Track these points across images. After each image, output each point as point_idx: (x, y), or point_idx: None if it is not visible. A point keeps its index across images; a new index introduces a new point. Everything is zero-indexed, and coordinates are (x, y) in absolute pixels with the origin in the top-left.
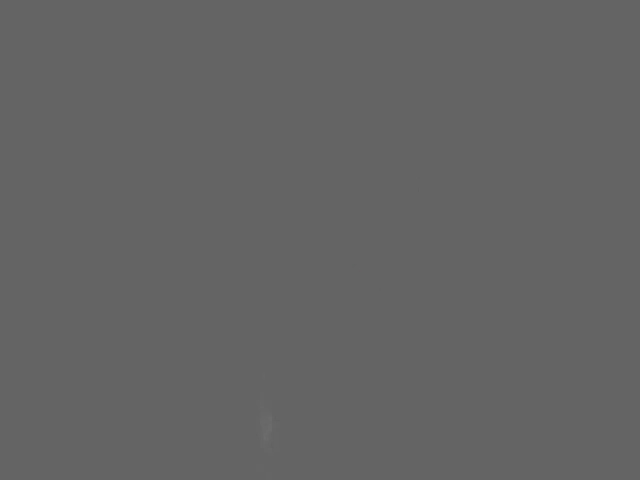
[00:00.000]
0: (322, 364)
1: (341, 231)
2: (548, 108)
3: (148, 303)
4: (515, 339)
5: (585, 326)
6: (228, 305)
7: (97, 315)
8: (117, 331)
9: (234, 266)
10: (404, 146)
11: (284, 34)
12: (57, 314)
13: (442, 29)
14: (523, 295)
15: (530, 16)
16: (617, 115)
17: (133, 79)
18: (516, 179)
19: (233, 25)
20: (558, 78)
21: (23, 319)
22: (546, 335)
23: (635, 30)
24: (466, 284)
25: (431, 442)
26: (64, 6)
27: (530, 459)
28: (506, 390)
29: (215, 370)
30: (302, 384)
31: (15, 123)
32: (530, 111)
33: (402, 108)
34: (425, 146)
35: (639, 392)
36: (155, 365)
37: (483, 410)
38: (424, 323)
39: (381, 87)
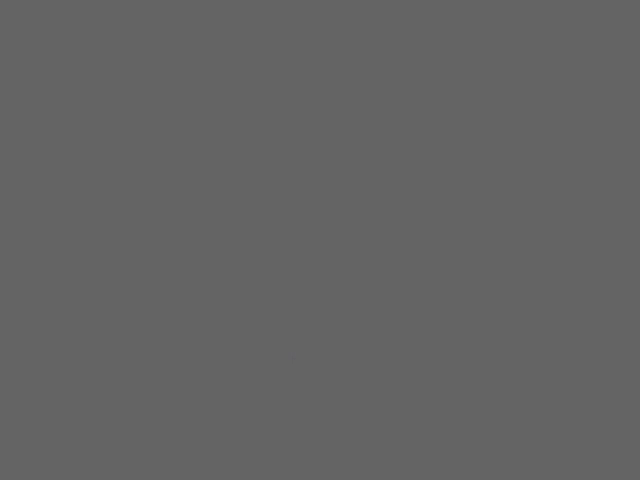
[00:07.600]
0: (321, 363)
1: (340, 230)
2: (548, 108)
3: (148, 302)
4: (515, 339)
5: (585, 326)
6: (228, 304)
7: (97, 315)
8: (117, 331)
9: (234, 266)
10: (403, 146)
11: (284, 34)
12: (57, 314)
13: (442, 29)
14: (523, 295)
15: (530, 16)
16: (617, 115)
17: (133, 79)
18: (516, 179)
19: (233, 25)
20: (558, 78)
21: (23, 319)
22: (546, 335)
23: (635, 30)
24: (465, 283)
25: (430, 439)
26: (64, 6)
27: (530, 459)
28: (506, 390)
29: (214, 369)
30: (301, 384)
31: (15, 123)
32: (530, 111)
33: (402, 108)
34: (424, 146)
35: (639, 392)
36: (154, 365)
37: (483, 410)
38: (423, 322)
39: (381, 87)
